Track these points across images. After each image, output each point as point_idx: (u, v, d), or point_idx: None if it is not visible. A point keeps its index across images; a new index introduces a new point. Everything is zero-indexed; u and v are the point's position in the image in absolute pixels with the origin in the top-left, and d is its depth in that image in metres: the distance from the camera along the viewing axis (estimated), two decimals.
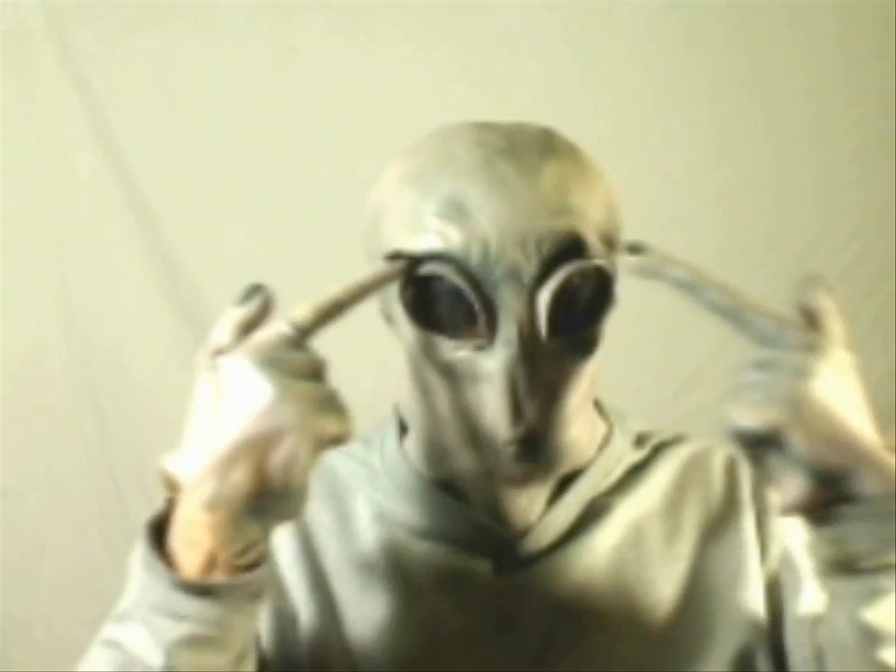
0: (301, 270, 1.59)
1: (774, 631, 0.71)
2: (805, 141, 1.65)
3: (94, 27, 1.60)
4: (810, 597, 0.67)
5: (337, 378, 0.57)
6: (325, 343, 0.58)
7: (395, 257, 0.66)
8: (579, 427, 0.70)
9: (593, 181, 0.68)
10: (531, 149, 0.66)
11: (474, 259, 0.63)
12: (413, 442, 0.75)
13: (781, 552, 0.72)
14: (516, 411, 0.64)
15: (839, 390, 0.57)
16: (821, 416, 0.56)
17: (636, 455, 0.77)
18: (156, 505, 0.59)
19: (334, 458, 0.77)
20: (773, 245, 1.66)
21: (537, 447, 0.65)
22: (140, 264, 1.64)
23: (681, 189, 1.64)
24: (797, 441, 0.55)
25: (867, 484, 0.55)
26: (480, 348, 0.65)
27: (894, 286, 1.66)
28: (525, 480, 0.67)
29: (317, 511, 0.75)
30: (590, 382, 0.69)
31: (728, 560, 0.73)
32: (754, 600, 0.72)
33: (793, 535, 0.71)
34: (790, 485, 0.57)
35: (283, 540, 0.73)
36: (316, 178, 1.59)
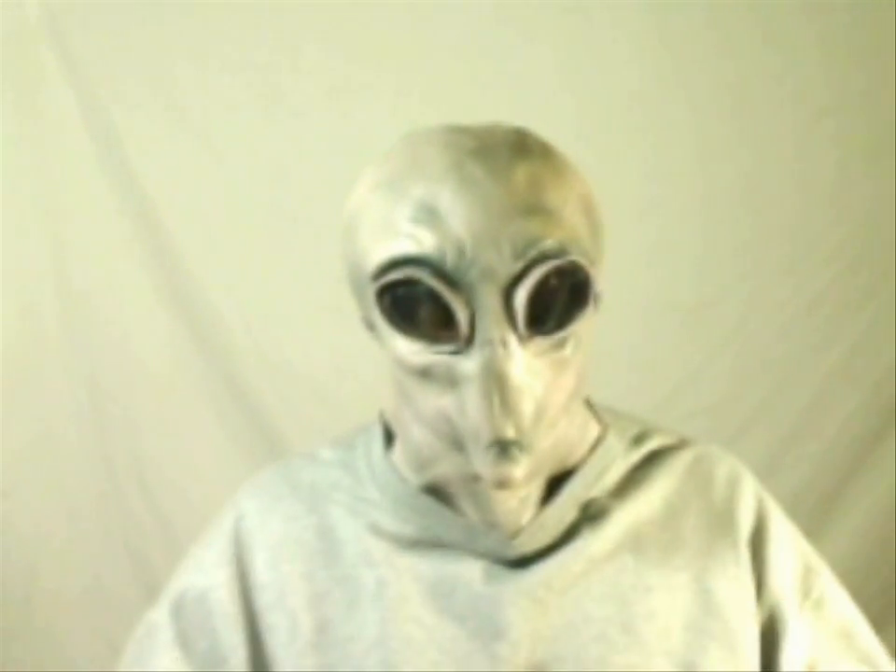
0: (299, 266, 1.60)
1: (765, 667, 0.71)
2: (789, 148, 1.65)
3: (94, 28, 1.61)
4: (795, 646, 0.70)
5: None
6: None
7: (377, 273, 0.64)
8: (565, 425, 0.69)
9: (567, 179, 0.67)
10: (502, 149, 0.65)
11: (449, 261, 0.62)
12: (398, 449, 0.75)
13: (779, 586, 0.73)
14: (497, 412, 0.62)
15: None
16: None
17: (632, 457, 0.76)
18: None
19: (311, 470, 0.77)
20: (758, 255, 1.67)
21: (519, 448, 0.63)
22: (139, 260, 1.64)
23: (664, 198, 1.64)
24: None
25: None
26: (458, 351, 0.64)
27: (893, 290, 1.66)
28: (509, 482, 0.64)
29: (301, 529, 0.74)
30: (577, 381, 0.68)
31: (729, 579, 0.72)
32: (751, 627, 0.72)
33: (782, 577, 0.72)
34: None
35: (264, 583, 0.73)
36: (318, 178, 1.59)
